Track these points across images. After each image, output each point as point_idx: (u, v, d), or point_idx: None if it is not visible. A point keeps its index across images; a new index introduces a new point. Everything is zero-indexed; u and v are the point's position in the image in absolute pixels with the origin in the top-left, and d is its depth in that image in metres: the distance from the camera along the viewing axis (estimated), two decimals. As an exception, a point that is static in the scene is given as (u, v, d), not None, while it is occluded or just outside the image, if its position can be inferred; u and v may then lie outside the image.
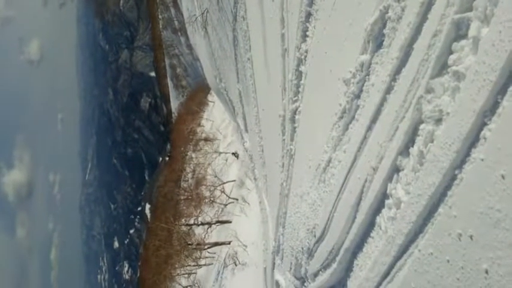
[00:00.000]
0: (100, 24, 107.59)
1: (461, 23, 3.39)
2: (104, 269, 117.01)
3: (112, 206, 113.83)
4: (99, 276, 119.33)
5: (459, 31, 3.45)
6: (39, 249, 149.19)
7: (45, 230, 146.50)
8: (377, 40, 4.81)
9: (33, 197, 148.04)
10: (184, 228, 32.13)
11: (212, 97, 45.32)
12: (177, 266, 34.49)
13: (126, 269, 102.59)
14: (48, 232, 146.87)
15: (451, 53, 3.55)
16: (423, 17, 3.88)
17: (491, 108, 3.03)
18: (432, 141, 3.79)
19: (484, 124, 3.10)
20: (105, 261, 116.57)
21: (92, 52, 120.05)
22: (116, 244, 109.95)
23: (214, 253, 33.54)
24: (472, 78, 3.18)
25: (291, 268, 10.10)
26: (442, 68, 3.69)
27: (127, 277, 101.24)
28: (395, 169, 4.54)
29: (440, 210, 3.70)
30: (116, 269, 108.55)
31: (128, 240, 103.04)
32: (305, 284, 9.07)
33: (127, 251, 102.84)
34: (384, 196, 4.89)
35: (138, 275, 76.12)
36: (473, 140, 3.22)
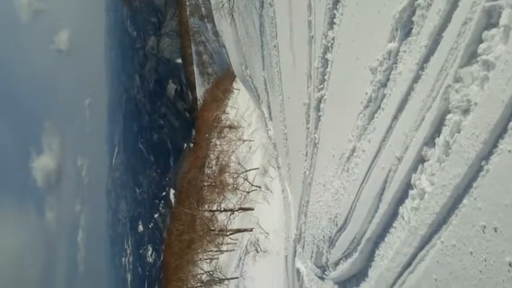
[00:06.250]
0: (128, 11, 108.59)
1: (493, 11, 3.30)
2: (128, 252, 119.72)
3: (137, 190, 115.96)
4: (123, 259, 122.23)
5: (490, 19, 3.36)
6: (67, 231, 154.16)
7: (73, 212, 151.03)
8: (405, 28, 4.72)
9: (62, 181, 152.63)
10: (207, 214, 32.52)
11: (237, 84, 45.42)
12: (199, 251, 35.04)
13: (149, 252, 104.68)
14: (76, 215, 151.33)
15: (481, 41, 3.47)
16: (454, 5, 3.79)
17: (521, 99, 2.96)
18: (459, 132, 3.72)
19: (513, 115, 3.04)
20: (129, 244, 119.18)
21: (119, 39, 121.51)
22: (141, 228, 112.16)
23: (236, 239, 33.89)
24: (501, 67, 3.10)
25: (312, 256, 10.13)
26: (471, 57, 3.61)
27: (150, 260, 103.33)
28: (420, 159, 4.49)
29: (464, 201, 3.65)
30: (140, 252, 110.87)
31: (152, 224, 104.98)
32: (326, 272, 9.10)
33: (151, 234, 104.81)
34: (407, 186, 4.84)
35: (162, 258, 77.60)
36: (501, 131, 3.16)
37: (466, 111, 3.66)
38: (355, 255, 6.75)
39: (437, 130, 4.17)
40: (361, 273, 6.83)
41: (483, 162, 3.38)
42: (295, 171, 12.12)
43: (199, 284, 35.20)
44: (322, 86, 8.15)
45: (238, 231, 31.64)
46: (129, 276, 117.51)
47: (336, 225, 7.51)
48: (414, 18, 4.50)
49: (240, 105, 46.62)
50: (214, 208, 32.70)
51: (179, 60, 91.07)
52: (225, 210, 31.94)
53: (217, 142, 45.37)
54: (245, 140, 37.99)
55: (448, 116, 3.94)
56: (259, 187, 29.08)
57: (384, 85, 5.34)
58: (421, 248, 4.48)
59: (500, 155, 3.17)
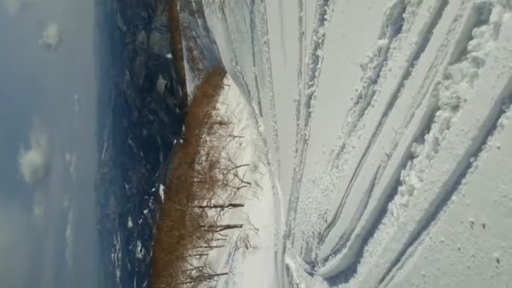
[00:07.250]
0: (118, 5, 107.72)
1: (483, 8, 3.31)
2: (117, 248, 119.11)
3: (127, 186, 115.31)
4: (112, 255, 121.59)
5: (480, 16, 3.37)
6: (55, 227, 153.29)
7: (61, 208, 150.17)
8: (396, 24, 4.73)
9: (50, 176, 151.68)
10: (197, 210, 32.46)
11: (228, 80, 45.28)
12: (189, 246, 34.98)
13: (139, 248, 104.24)
14: (64, 210, 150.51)
15: (471, 38, 3.47)
16: (444, 2, 3.80)
17: (510, 96, 2.97)
18: (448, 128, 3.74)
19: (502, 112, 3.04)
20: (118, 240, 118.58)
21: (109, 33, 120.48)
22: (130, 223, 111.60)
23: (226, 236, 33.92)
24: (491, 64, 3.11)
25: (301, 252, 10.15)
26: (461, 53, 3.62)
27: (140, 256, 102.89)
28: (410, 156, 4.50)
29: (453, 198, 3.67)
30: (129, 248, 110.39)
31: (141, 220, 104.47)
32: (315, 268, 9.12)
33: (140, 230, 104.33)
34: (397, 183, 4.86)
35: (151, 254, 77.37)
36: (490, 127, 3.17)
37: (455, 108, 3.67)
38: (344, 251, 6.77)
39: (426, 126, 4.18)
40: (350, 269, 6.86)
41: (472, 159, 3.39)
42: (285, 168, 12.12)
43: (188, 280, 35.15)
44: (312, 82, 8.15)
45: (228, 227, 31.65)
46: (118, 272, 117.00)
47: (326, 221, 7.52)
48: (405, 15, 4.51)
49: (230, 101, 46.54)
50: (204, 204, 32.65)
51: (169, 56, 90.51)
52: (215, 206, 31.90)
53: (208, 138, 45.28)
54: (235, 136, 37.91)
55: (438, 113, 3.95)
56: (249, 183, 29.09)
57: (374, 82, 5.35)
58: (409, 244, 4.50)
59: (489, 151, 3.18)
